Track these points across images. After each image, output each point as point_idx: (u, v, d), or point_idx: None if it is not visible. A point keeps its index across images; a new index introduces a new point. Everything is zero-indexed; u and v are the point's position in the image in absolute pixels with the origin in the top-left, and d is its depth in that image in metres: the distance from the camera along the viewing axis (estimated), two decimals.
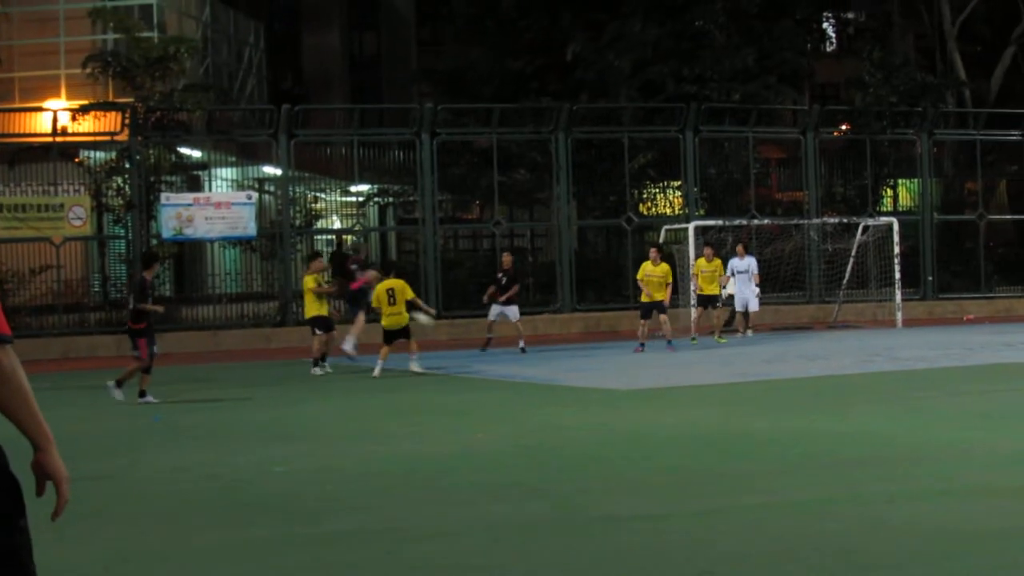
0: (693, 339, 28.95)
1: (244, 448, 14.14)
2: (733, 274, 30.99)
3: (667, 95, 40.22)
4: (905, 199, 42.42)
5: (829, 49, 57.39)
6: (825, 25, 55.78)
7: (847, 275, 35.25)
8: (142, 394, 19.08)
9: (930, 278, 38.26)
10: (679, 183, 38.37)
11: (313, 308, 24.30)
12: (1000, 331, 30.55)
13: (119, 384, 19.21)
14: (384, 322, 23.19)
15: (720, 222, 35.00)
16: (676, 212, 38.41)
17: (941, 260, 39.17)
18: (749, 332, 31.10)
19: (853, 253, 34.93)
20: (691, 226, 32.97)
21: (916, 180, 40.70)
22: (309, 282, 24.39)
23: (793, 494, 10.31)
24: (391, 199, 41.20)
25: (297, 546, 9.02)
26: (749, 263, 31.20)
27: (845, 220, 37.07)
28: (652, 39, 41.00)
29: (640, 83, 41.37)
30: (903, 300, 34.44)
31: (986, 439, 12.94)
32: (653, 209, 40.24)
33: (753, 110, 38.69)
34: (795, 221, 37.44)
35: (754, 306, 31.36)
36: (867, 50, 43.11)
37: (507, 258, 28.48)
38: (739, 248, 31.79)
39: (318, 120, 39.88)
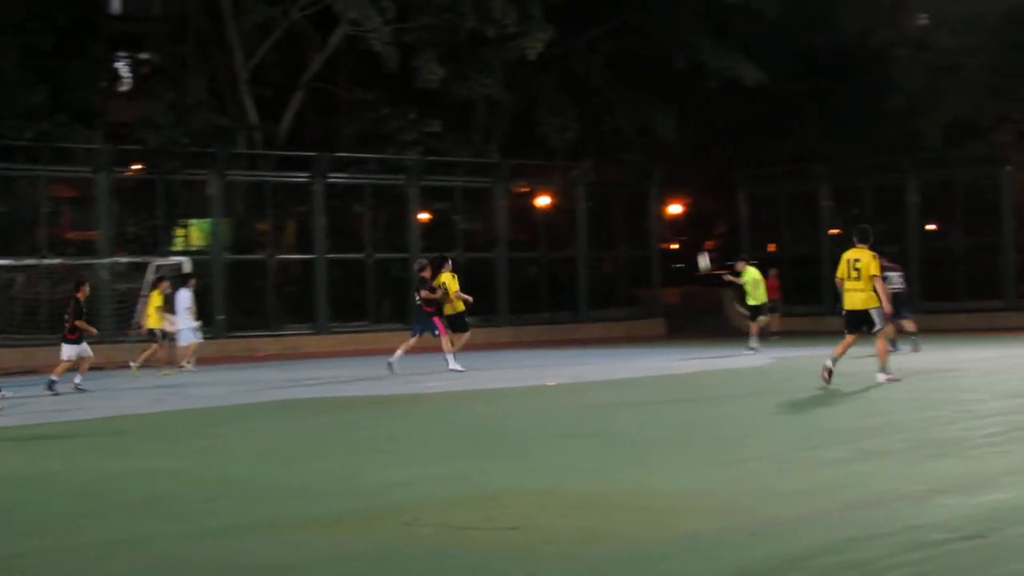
0: (165, 372, 29.56)
1: None
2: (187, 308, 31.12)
3: None
4: (198, 238, 42.86)
5: (124, 89, 57.10)
6: (119, 64, 55.47)
7: (139, 314, 35.16)
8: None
9: (221, 316, 38.78)
10: None
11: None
12: (288, 368, 31.48)
13: None
14: None
15: (10, 261, 34.07)
16: None
17: (232, 298, 39.85)
18: (188, 364, 31.14)
19: (145, 292, 34.89)
20: None
21: (208, 220, 41.24)
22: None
23: (87, 536, 10.18)
24: None
25: None
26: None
27: (137, 259, 37.00)
28: None
29: None
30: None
31: (273, 474, 13.27)
32: None
33: (46, 148, 37.89)
34: (86, 260, 36.95)
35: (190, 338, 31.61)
36: (161, 91, 43.32)
37: (87, 288, 26.82)
38: (192, 281, 32.04)
39: None
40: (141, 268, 35.91)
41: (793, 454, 12.99)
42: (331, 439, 16.67)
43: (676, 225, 68.86)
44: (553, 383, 24.44)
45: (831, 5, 51.61)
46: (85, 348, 26.31)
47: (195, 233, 42.72)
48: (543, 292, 47.88)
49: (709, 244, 68.55)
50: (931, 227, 48.41)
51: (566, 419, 17.74)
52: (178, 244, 41.51)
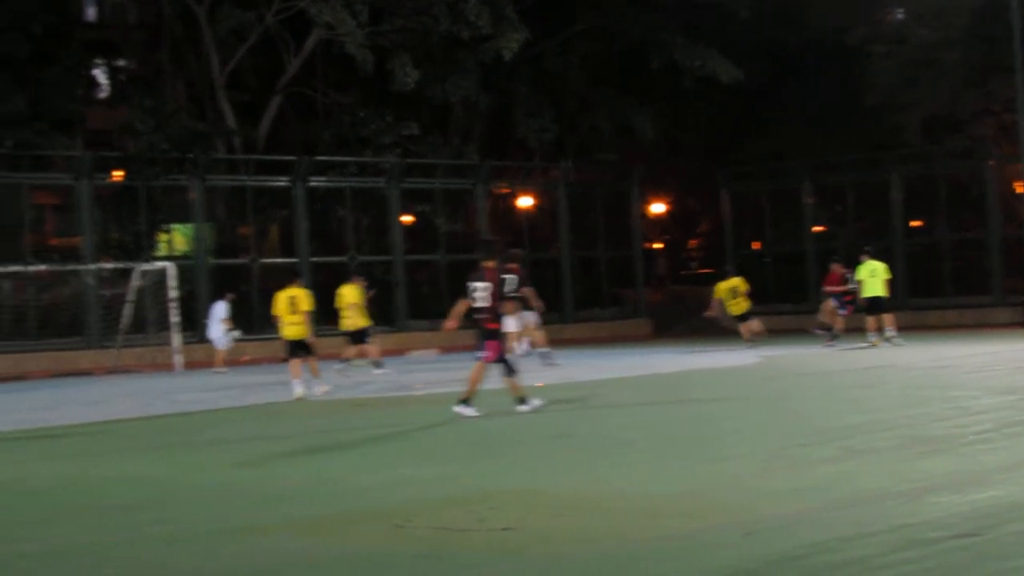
0: None
1: None
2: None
3: None
4: (181, 244, 42.81)
5: (102, 96, 57.03)
6: (97, 72, 55.41)
7: (125, 320, 35.11)
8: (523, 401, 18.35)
9: (205, 321, 38.74)
10: None
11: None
12: (273, 371, 31.36)
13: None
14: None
15: None
16: None
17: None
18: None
19: (130, 298, 34.86)
20: None
21: (191, 225, 41.19)
22: None
23: (70, 540, 10.11)
24: None
25: None
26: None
27: (122, 265, 36.97)
28: None
29: None
30: (183, 344, 34.79)
31: (254, 478, 13.21)
32: None
33: (26, 156, 37.93)
34: (71, 267, 36.92)
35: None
36: (138, 97, 43.25)
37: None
38: (229, 295, 34.12)
39: None
40: (126, 274, 35.88)
41: (781, 453, 12.97)
42: (312, 443, 16.56)
43: (659, 224, 68.93)
44: (540, 384, 24.41)
45: (803, 3, 51.73)
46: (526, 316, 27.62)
47: (178, 238, 42.68)
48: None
49: (692, 243, 68.74)
50: (915, 223, 48.46)
51: (553, 420, 17.70)
52: (162, 250, 41.48)
